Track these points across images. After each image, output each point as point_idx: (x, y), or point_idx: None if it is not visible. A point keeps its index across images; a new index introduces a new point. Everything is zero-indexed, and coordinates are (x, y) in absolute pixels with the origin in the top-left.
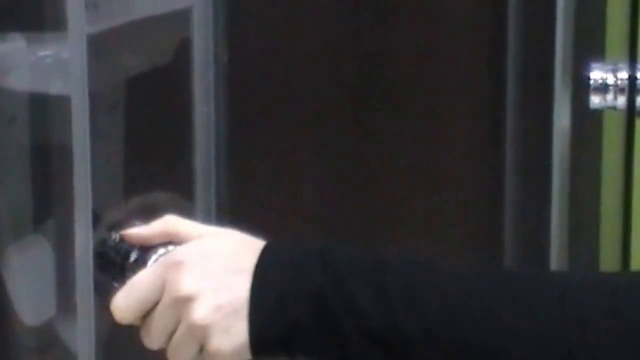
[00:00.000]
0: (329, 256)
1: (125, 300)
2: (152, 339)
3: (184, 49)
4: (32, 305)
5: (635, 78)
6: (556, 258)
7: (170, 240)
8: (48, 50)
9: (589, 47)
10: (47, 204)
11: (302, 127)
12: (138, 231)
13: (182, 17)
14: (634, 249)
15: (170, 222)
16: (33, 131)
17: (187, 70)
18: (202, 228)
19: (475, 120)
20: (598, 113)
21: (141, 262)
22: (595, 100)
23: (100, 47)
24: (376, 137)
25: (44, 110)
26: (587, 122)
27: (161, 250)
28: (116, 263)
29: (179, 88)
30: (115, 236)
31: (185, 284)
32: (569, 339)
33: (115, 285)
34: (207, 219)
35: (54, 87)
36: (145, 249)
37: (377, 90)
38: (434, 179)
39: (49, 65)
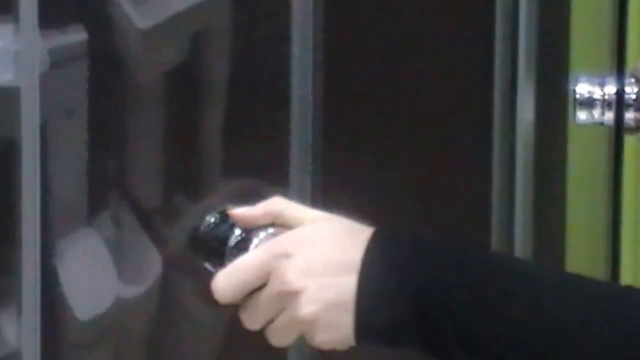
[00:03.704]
0: (430, 253)
1: (228, 282)
2: (253, 322)
3: (283, 34)
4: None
5: (624, 92)
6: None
7: (273, 223)
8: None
9: (552, 55)
10: None
11: (398, 112)
12: (244, 211)
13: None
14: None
15: (277, 204)
16: None
17: (286, 55)
18: (308, 212)
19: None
20: (561, 119)
21: (242, 246)
22: (581, 115)
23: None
24: None
25: None
26: (552, 129)
27: (262, 234)
28: (212, 246)
29: (277, 73)
30: (210, 219)
31: (292, 277)
32: None
33: (210, 268)
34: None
35: (5, 78)
36: (247, 232)
37: None
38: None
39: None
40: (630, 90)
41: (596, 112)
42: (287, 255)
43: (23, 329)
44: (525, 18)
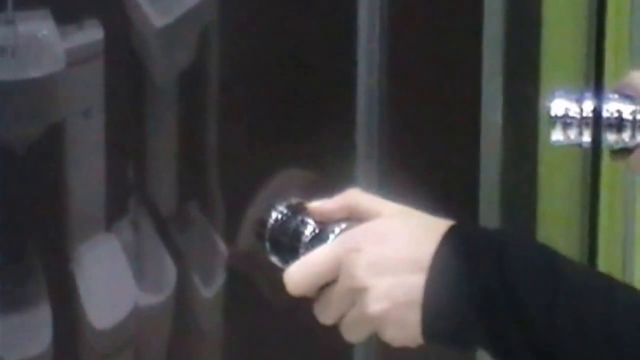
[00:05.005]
0: (505, 255)
1: (299, 273)
2: (325, 316)
3: (349, 21)
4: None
5: (601, 110)
6: None
7: (349, 216)
8: None
9: (522, 68)
10: None
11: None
12: (320, 205)
13: None
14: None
15: (352, 197)
16: None
17: (352, 41)
18: (385, 205)
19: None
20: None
21: (318, 241)
22: (556, 136)
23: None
24: None
25: None
26: (522, 146)
27: (337, 229)
28: (283, 241)
29: (343, 59)
30: (279, 214)
31: (361, 273)
32: None
33: (277, 262)
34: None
35: None
36: (322, 226)
37: None
38: None
39: None
40: (613, 109)
41: (572, 133)
42: (358, 250)
43: None
44: (491, 21)
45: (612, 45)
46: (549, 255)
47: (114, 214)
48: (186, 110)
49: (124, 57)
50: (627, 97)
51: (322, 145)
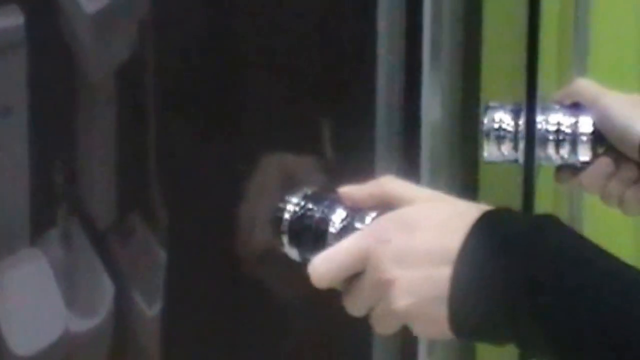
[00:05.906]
0: (533, 248)
1: (325, 265)
2: (354, 309)
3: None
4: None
5: (534, 123)
6: None
7: (380, 204)
8: None
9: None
10: None
11: None
12: (352, 192)
13: None
14: None
15: (384, 184)
16: None
17: (373, 25)
18: (417, 192)
19: None
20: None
21: (347, 231)
22: (489, 152)
23: None
24: None
25: None
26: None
27: (368, 219)
28: (306, 233)
29: (363, 39)
30: (296, 206)
31: (387, 266)
32: None
33: (295, 255)
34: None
35: None
36: (351, 216)
37: None
38: None
39: None
40: (553, 121)
41: (506, 148)
42: (386, 241)
43: None
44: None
45: (555, 55)
46: (581, 248)
47: (39, 225)
48: (126, 109)
49: (49, 47)
50: (569, 107)
51: (341, 133)
